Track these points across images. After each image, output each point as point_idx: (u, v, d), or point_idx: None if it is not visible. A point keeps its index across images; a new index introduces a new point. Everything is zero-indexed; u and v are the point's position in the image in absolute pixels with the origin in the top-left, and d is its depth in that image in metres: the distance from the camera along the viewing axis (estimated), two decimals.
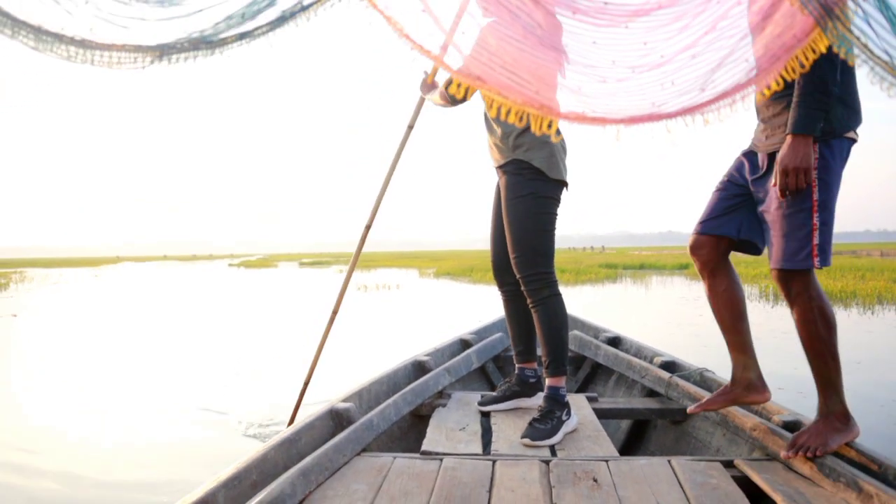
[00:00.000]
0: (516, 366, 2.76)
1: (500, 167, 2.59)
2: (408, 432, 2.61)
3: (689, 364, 2.96)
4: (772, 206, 2.05)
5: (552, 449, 2.23)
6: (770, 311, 9.97)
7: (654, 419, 2.86)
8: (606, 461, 2.02)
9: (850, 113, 1.98)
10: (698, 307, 11.20)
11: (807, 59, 0.88)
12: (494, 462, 2.03)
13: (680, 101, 1.04)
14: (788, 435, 2.00)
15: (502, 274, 2.72)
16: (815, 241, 1.96)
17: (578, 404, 2.74)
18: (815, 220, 1.96)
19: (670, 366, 3.02)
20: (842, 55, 0.98)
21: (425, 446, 2.21)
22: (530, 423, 2.35)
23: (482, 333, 3.82)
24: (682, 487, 1.80)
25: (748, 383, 2.26)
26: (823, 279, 14.59)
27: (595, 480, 1.85)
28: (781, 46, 0.98)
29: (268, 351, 7.04)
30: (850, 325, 8.44)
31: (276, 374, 5.72)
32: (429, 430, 2.40)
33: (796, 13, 0.99)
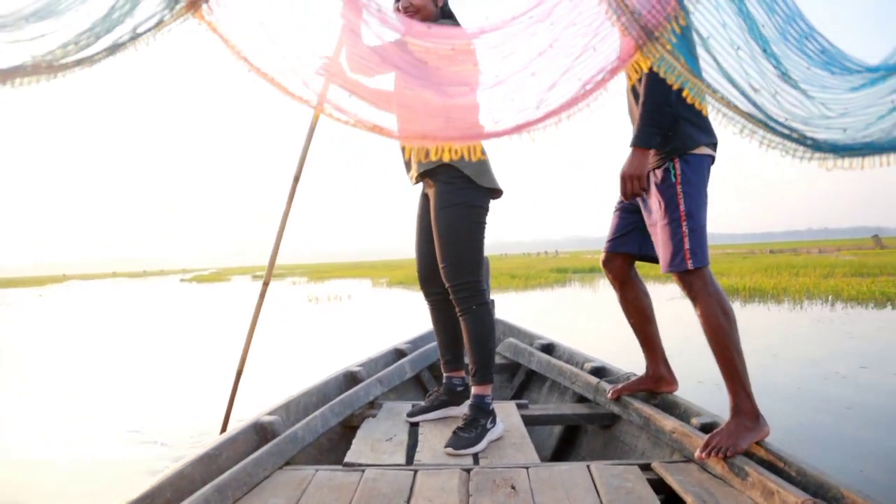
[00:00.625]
0: (444, 375, 2.75)
1: (427, 173, 2.54)
2: (338, 444, 2.57)
3: (618, 369, 2.99)
4: (652, 220, 2.30)
5: (475, 457, 2.23)
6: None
7: (584, 424, 2.87)
8: (527, 468, 2.04)
9: (697, 130, 2.19)
10: None
11: (629, 78, 0.97)
12: (416, 472, 2.02)
13: (515, 119, 1.09)
14: (704, 437, 2.04)
15: (429, 283, 2.70)
16: (687, 245, 2.17)
17: (507, 412, 2.74)
18: (685, 228, 2.17)
19: (600, 371, 3.03)
20: (661, 75, 1.04)
21: (348, 458, 2.19)
22: (454, 432, 2.34)
23: (418, 343, 3.79)
24: (597, 492, 1.83)
25: (659, 376, 2.60)
26: (759, 277, 15.15)
27: (513, 488, 1.86)
28: (607, 68, 1.04)
29: (212, 368, 6.92)
30: (780, 320, 8.87)
31: (218, 391, 5.61)
32: (354, 441, 2.38)
33: (620, 36, 1.05)
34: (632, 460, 2.13)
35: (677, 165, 2.16)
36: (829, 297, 10.95)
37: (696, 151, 2.18)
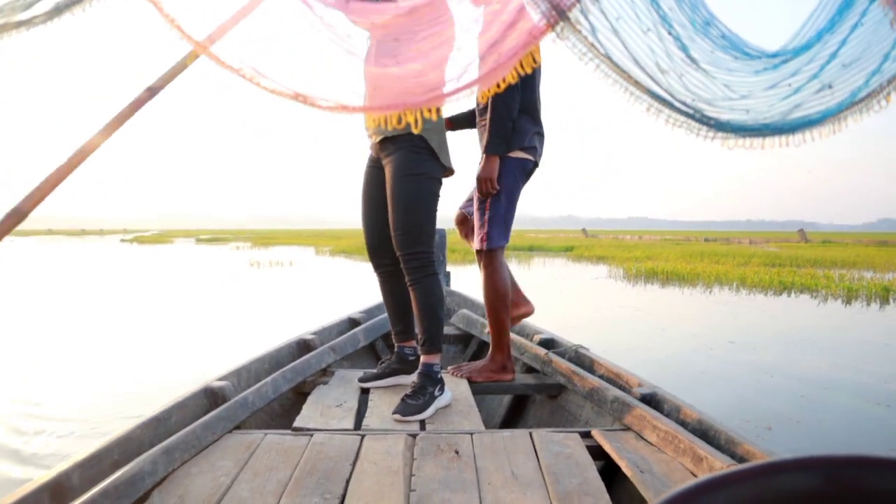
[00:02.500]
0: (396, 345, 2.74)
1: (389, 140, 2.47)
2: (289, 410, 2.56)
3: (566, 341, 3.05)
4: (472, 206, 2.88)
5: (422, 424, 2.24)
6: (634, 289, 11.13)
7: (532, 394, 2.91)
8: (472, 434, 2.07)
9: (513, 135, 2.68)
10: (569, 284, 12.22)
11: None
12: (363, 437, 2.03)
13: (427, 96, 1.13)
14: (643, 406, 2.12)
15: (379, 255, 2.65)
16: (486, 230, 2.76)
17: (456, 381, 2.77)
18: (486, 216, 2.76)
19: (549, 343, 3.07)
20: (573, 53, 1.07)
21: (297, 422, 2.18)
22: (402, 399, 2.35)
23: (372, 312, 3.79)
24: (537, 457, 1.87)
25: (514, 302, 3.03)
26: (681, 263, 16.06)
27: (457, 452, 1.89)
28: (519, 45, 1.07)
29: (151, 330, 6.87)
30: (685, 301, 9.48)
31: (156, 355, 5.58)
32: (304, 406, 2.36)
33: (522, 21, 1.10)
34: (575, 428, 2.17)
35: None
36: (736, 284, 11.71)
37: (511, 155, 2.70)
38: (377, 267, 2.70)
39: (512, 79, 1.07)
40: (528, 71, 1.10)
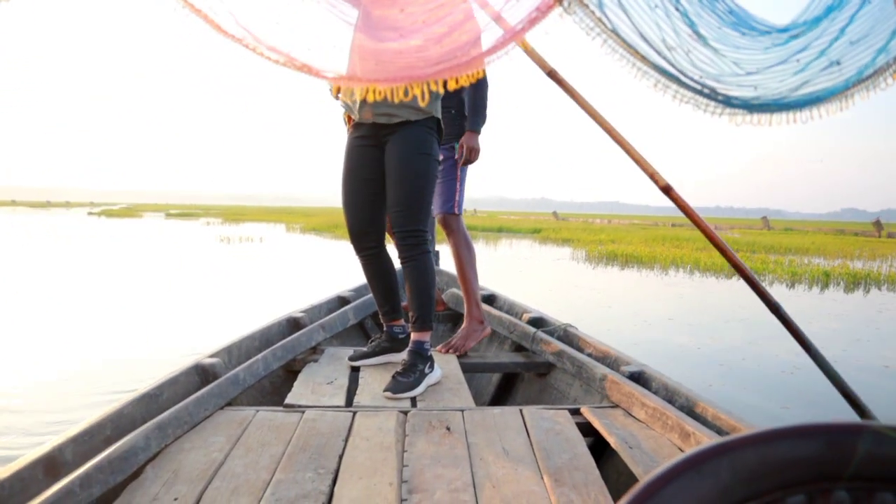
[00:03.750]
0: (385, 324, 2.70)
1: (406, 120, 2.43)
2: (280, 387, 2.55)
3: (555, 320, 3.07)
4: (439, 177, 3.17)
5: (413, 401, 2.24)
6: (594, 271, 11.60)
7: (521, 372, 2.92)
8: (462, 411, 2.07)
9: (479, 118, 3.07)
10: (530, 265, 12.61)
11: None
12: (355, 413, 2.02)
13: (432, 69, 1.12)
14: (632, 384, 2.13)
15: (365, 238, 2.57)
16: (457, 198, 3.16)
17: (446, 359, 2.76)
18: (458, 186, 3.15)
19: (538, 322, 3.08)
20: (580, 29, 1.06)
21: (289, 399, 2.17)
22: (393, 377, 2.33)
23: (361, 291, 3.79)
24: (528, 433, 1.88)
25: (471, 315, 3.18)
26: (642, 246, 16.57)
27: (448, 429, 1.90)
28: (526, 18, 1.04)
29: (126, 305, 6.79)
30: (639, 282, 9.82)
31: (131, 331, 5.55)
32: (296, 384, 2.35)
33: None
34: (564, 406, 2.17)
35: (466, 135, 3.07)
36: (690, 267, 12.14)
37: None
38: (362, 250, 2.60)
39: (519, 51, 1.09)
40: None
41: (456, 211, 3.16)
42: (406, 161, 2.41)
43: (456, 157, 3.12)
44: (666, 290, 9.18)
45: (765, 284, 9.94)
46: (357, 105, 2.46)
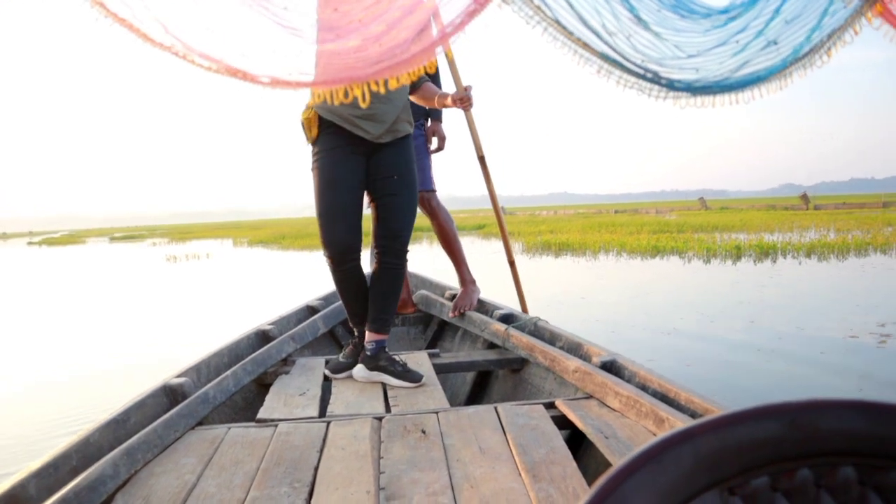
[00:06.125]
0: (360, 335, 2.55)
1: (407, 134, 2.51)
2: (252, 402, 2.44)
3: (525, 315, 3.02)
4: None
5: (387, 406, 2.19)
6: (530, 261, 11.57)
7: (495, 370, 2.85)
8: (437, 413, 2.01)
9: None
10: (470, 260, 12.69)
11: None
12: (329, 423, 1.95)
13: (372, 69, 1.06)
14: (604, 374, 2.08)
15: (352, 252, 2.39)
16: (431, 174, 3.31)
17: (419, 361, 2.67)
18: (430, 163, 3.29)
19: (508, 318, 2.98)
20: (519, 17, 1.01)
21: (261, 414, 2.09)
22: (406, 370, 2.35)
23: (330, 299, 3.63)
24: (504, 430, 1.82)
25: (464, 280, 3.36)
26: (577, 234, 16.79)
27: (423, 432, 1.84)
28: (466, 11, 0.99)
29: (71, 334, 6.52)
30: (567, 267, 10.23)
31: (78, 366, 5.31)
32: (267, 397, 2.26)
33: None
34: (539, 400, 2.13)
35: (432, 124, 3.27)
36: (616, 250, 12.50)
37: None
38: (347, 262, 2.40)
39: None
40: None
41: (434, 187, 3.26)
42: (409, 172, 2.40)
43: (429, 146, 3.28)
44: (588, 272, 9.60)
45: (684, 261, 10.39)
46: (363, 121, 2.28)
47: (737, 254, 10.93)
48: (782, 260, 10.01)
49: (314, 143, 2.33)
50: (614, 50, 1.02)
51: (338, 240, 2.34)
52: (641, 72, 1.02)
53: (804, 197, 31.01)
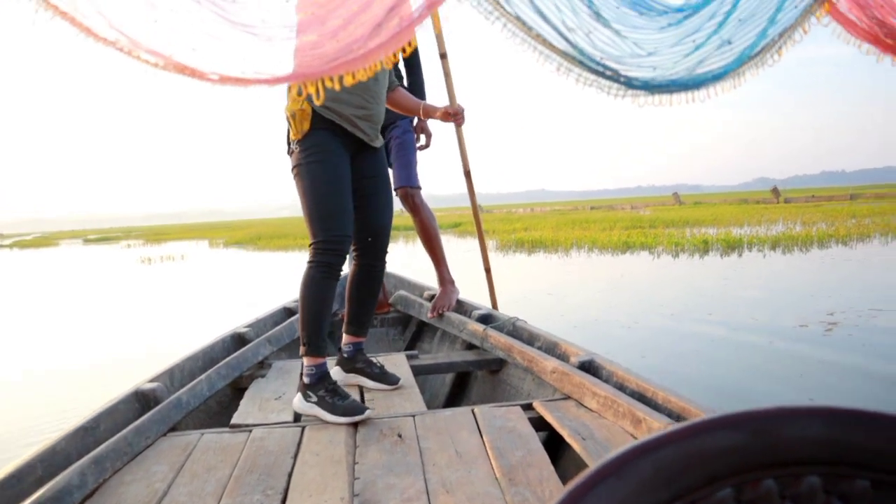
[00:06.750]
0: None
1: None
2: (228, 407, 2.35)
3: (503, 315, 2.92)
4: (398, 152, 3.21)
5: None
6: (503, 258, 11.51)
7: (474, 371, 2.80)
8: (414, 416, 1.96)
9: None
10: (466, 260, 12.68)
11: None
12: (304, 428, 1.90)
13: (328, 65, 1.04)
14: (582, 374, 2.04)
15: (348, 244, 2.24)
16: (416, 171, 3.19)
17: (397, 362, 2.61)
18: (415, 160, 3.19)
19: (486, 318, 2.91)
20: (479, 13, 1.02)
21: (235, 419, 2.03)
22: (383, 373, 2.32)
23: None
24: (480, 433, 1.79)
25: (443, 279, 3.28)
26: (550, 231, 16.89)
27: (399, 436, 1.80)
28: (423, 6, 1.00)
29: (45, 338, 6.38)
30: (538, 264, 10.26)
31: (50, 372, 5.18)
32: (242, 402, 2.20)
33: None
34: (517, 401, 2.10)
35: (420, 121, 3.16)
36: (588, 246, 12.55)
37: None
38: (342, 265, 2.25)
39: (415, 43, 1.04)
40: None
41: (419, 184, 3.17)
42: (386, 172, 2.38)
43: (419, 144, 3.19)
44: (558, 268, 9.69)
45: (654, 256, 10.53)
46: (362, 122, 2.21)
47: (704, 248, 11.07)
48: (748, 253, 10.16)
49: (304, 138, 2.16)
50: (574, 47, 1.00)
51: (345, 240, 2.18)
52: (601, 69, 1.01)
53: (775, 191, 31.51)
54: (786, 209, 23.10)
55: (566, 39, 1.02)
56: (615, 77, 1.03)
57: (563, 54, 1.02)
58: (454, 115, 2.65)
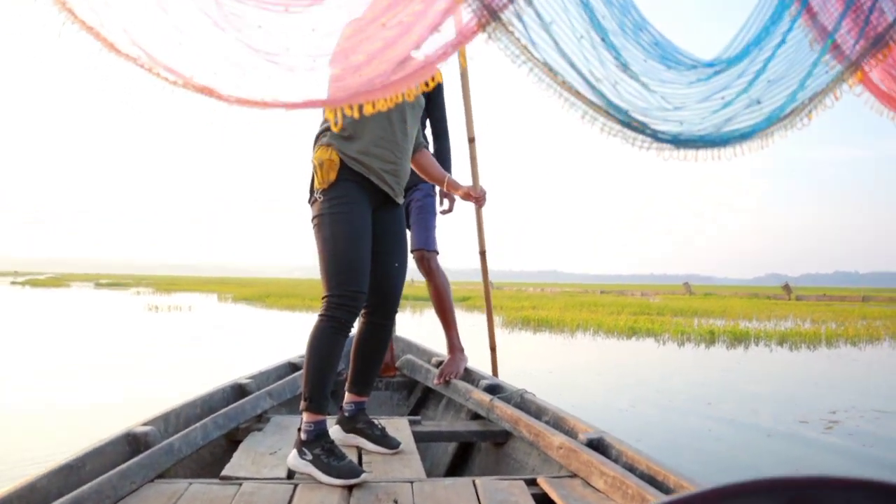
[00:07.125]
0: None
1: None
2: (221, 458, 2.26)
3: (511, 386, 2.85)
4: (417, 215, 3.18)
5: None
6: (509, 335, 11.49)
7: (478, 441, 2.70)
8: (412, 483, 1.87)
9: None
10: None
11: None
12: (296, 486, 1.81)
13: (345, 93, 1.03)
14: (590, 452, 1.96)
15: (360, 308, 2.20)
16: (434, 235, 3.17)
17: (399, 426, 2.52)
18: (434, 223, 3.18)
19: (494, 388, 2.83)
20: (506, 56, 1.00)
21: (226, 471, 1.93)
22: (384, 436, 2.23)
23: None
24: None
25: (452, 346, 3.21)
26: (557, 312, 16.77)
27: (395, 502, 1.71)
28: (449, 43, 0.98)
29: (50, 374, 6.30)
30: (541, 343, 10.13)
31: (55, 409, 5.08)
32: (235, 454, 2.11)
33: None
34: (521, 476, 2.02)
35: (445, 196, 3.16)
36: (593, 329, 12.37)
37: None
38: (354, 322, 2.20)
39: (440, 78, 1.04)
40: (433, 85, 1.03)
41: (437, 248, 3.14)
42: (404, 231, 2.38)
43: (441, 208, 3.19)
44: (559, 348, 9.58)
45: (659, 343, 10.39)
46: (390, 177, 2.18)
47: (710, 338, 10.89)
48: (754, 347, 9.97)
49: (329, 188, 2.11)
50: (601, 96, 0.99)
51: (360, 296, 2.11)
52: (627, 120, 0.99)
53: (786, 287, 31.20)
54: (796, 306, 22.84)
55: (593, 88, 1.00)
56: (641, 129, 1.01)
57: (590, 103, 1.01)
58: (476, 199, 2.70)
